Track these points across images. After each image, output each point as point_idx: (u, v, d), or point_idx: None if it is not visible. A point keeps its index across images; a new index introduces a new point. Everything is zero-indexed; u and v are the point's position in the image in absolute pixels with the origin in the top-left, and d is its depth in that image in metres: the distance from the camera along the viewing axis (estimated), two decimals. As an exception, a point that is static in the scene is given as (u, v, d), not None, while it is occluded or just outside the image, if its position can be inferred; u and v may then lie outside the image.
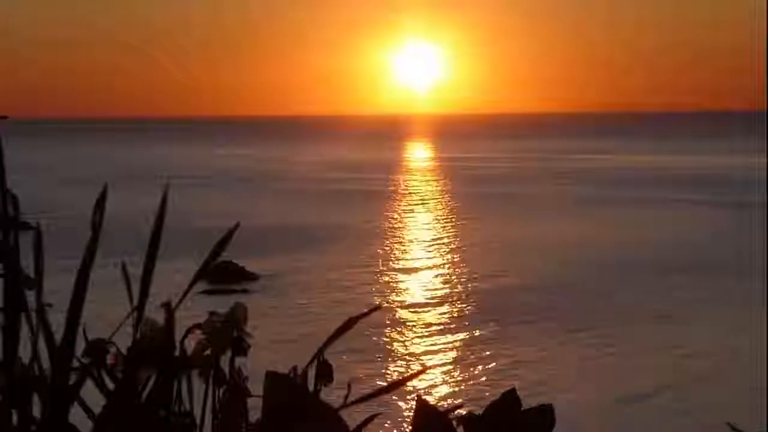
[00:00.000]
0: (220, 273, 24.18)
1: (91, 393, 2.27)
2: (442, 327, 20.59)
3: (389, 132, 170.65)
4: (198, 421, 2.37)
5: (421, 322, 20.99)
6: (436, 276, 26.63)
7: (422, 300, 23.35)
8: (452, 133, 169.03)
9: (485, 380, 16.65)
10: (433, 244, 32.87)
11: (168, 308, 2.16)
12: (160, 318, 2.27)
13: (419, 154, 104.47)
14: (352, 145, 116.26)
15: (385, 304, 21.88)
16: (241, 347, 2.47)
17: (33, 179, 55.71)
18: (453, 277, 26.30)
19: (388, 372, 16.93)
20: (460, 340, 19.51)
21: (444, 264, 28.62)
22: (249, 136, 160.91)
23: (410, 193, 53.43)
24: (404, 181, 62.06)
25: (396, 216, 41.23)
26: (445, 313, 21.94)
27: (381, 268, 27.51)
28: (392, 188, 55.66)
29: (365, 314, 2.24)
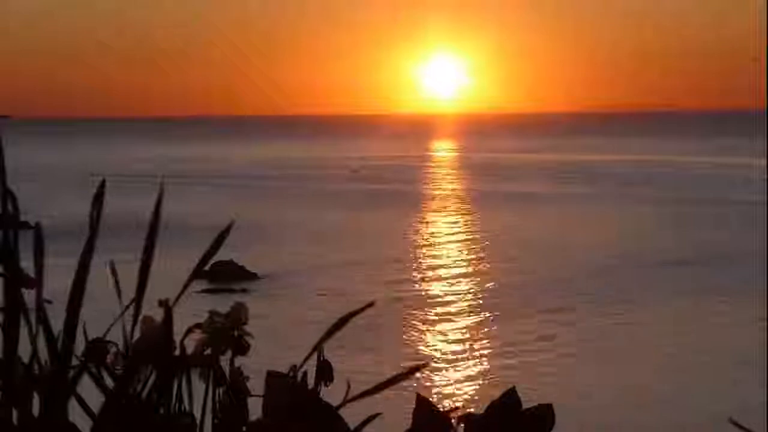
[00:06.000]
0: (220, 272, 24.18)
1: (91, 393, 2.27)
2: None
3: (417, 130, 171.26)
4: (198, 421, 2.37)
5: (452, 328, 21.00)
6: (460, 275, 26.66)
7: (443, 300, 23.36)
8: (476, 132, 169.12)
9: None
10: (445, 242, 32.90)
11: (166, 306, 2.15)
12: (157, 316, 2.26)
13: (442, 151, 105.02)
14: (381, 142, 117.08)
15: (395, 302, 21.88)
16: (241, 347, 2.47)
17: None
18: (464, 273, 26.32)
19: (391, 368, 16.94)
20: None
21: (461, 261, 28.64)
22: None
23: (425, 192, 53.33)
24: (420, 180, 61.99)
25: (407, 215, 41.08)
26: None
27: (385, 266, 27.49)
28: (406, 188, 55.51)
29: (359, 311, 2.23)
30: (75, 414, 2.23)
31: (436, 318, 21.48)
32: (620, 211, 41.28)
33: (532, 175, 63.13)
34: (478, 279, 25.96)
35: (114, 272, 2.30)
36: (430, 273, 26.99)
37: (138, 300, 2.19)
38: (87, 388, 2.25)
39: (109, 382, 2.28)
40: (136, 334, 2.25)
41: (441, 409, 2.98)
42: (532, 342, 19.22)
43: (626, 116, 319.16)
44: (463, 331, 20.38)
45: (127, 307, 2.22)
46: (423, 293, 24.14)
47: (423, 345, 19.35)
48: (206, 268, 2.39)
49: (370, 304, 2.34)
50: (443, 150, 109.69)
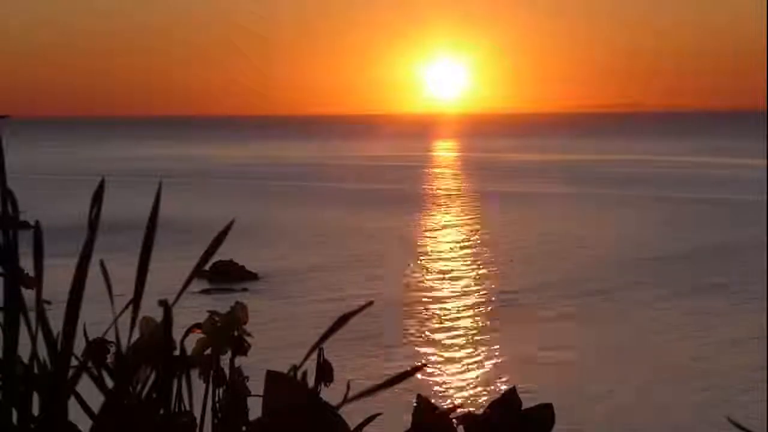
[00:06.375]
0: (220, 272, 24.17)
1: (91, 393, 2.27)
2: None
3: (417, 131, 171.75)
4: (198, 421, 2.37)
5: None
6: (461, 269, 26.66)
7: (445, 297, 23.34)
8: (477, 132, 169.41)
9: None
10: (446, 241, 32.88)
11: (166, 306, 2.15)
12: (157, 316, 2.26)
13: (443, 151, 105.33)
14: (380, 142, 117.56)
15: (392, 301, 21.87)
16: (241, 347, 2.47)
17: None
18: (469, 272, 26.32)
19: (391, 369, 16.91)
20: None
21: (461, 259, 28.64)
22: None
23: (425, 192, 53.24)
24: (420, 181, 61.93)
25: (408, 214, 40.98)
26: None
27: (385, 266, 27.47)
28: (406, 188, 55.40)
29: (359, 310, 2.23)
30: (75, 414, 2.23)
31: (436, 315, 21.49)
32: (620, 212, 41.29)
33: (533, 175, 63.15)
34: (478, 279, 25.95)
35: (105, 272, 2.29)
36: (431, 272, 27.00)
37: (136, 300, 2.19)
38: (87, 388, 2.25)
39: (109, 382, 2.28)
40: (135, 335, 2.25)
41: (441, 409, 2.98)
42: (530, 342, 19.23)
43: (627, 116, 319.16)
44: (463, 327, 20.39)
45: (126, 307, 2.22)
46: (424, 292, 24.13)
47: (422, 343, 19.36)
48: (206, 267, 2.39)
49: (369, 304, 2.34)
50: (444, 150, 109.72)
